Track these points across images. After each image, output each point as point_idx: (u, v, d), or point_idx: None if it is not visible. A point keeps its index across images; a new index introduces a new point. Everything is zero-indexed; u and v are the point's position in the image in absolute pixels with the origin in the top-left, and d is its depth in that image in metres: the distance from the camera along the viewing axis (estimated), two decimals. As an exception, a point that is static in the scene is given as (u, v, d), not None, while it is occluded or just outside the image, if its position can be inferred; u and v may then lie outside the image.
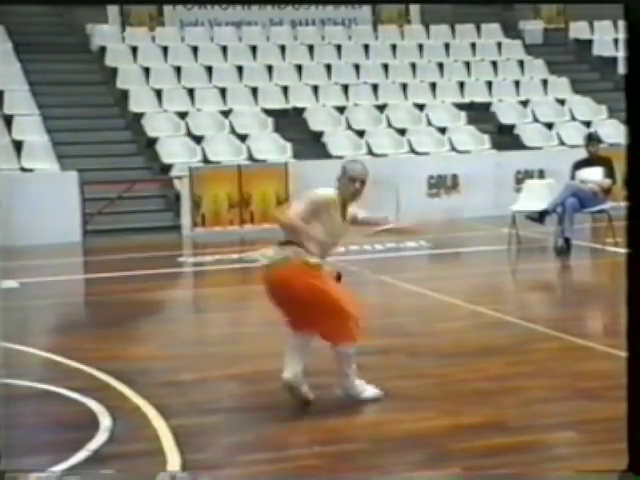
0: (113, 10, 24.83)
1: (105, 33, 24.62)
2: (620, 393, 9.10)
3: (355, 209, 9.09)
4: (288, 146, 21.70)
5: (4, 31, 23.50)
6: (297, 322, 8.72)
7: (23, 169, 20.11)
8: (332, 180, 22.87)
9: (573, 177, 17.85)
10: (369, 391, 8.64)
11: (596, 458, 7.66)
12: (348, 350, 8.49)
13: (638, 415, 2.78)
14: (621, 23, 27.64)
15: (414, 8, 26.59)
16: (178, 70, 23.72)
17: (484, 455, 7.56)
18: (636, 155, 2.90)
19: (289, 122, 22.80)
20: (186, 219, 20.16)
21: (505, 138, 23.20)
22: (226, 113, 22.57)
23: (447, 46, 26.06)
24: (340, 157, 21.40)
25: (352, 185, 8.91)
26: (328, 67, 24.57)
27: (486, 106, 24.24)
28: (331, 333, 8.50)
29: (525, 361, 10.32)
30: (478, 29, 26.72)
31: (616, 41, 27.29)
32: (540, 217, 17.82)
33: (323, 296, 8.46)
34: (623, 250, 17.02)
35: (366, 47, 25.43)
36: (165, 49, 24.39)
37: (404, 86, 24.29)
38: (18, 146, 20.48)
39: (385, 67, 24.83)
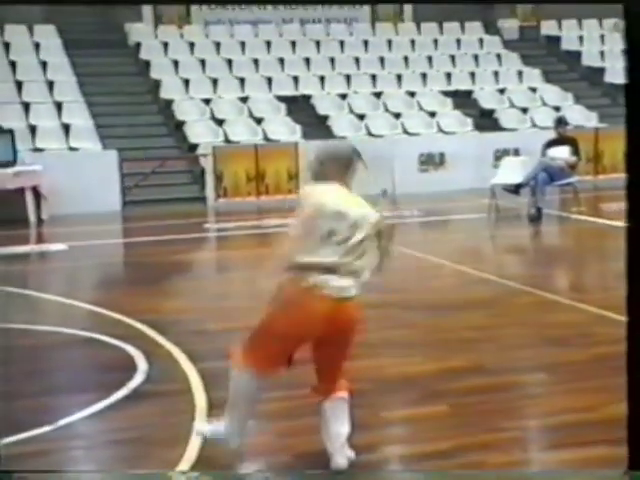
0: (147, 11, 24.82)
1: (140, 31, 24.57)
2: (582, 340, 9.18)
3: None
4: (298, 128, 21.67)
5: (55, 30, 23.48)
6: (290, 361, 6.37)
7: (71, 148, 20.11)
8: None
9: (544, 155, 17.90)
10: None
11: (562, 396, 7.70)
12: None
13: (638, 415, 2.73)
14: (585, 22, 27.63)
15: (407, 8, 26.53)
16: (203, 62, 23.67)
17: (467, 394, 7.59)
18: (635, 139, 2.87)
19: (299, 107, 22.75)
20: (210, 191, 20.16)
21: (485, 121, 23.16)
22: (244, 99, 22.54)
23: (435, 41, 25.99)
24: (343, 137, 21.44)
25: None
26: (332, 60, 24.52)
27: (469, 93, 24.19)
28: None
29: (502, 313, 10.35)
30: (462, 27, 26.65)
31: (581, 37, 27.25)
32: (516, 189, 17.91)
33: None
34: (587, 218, 17.09)
35: (365, 42, 25.37)
36: (192, 44, 24.34)
37: (398, 76, 24.23)
38: (66, 128, 20.50)
39: (382, 60, 24.77)
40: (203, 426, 6.55)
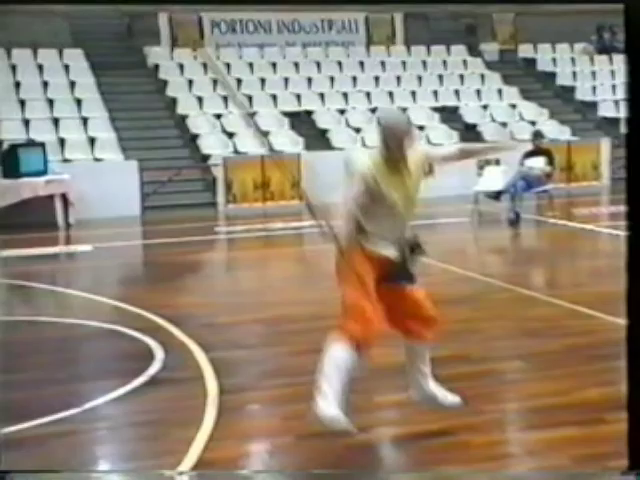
0: (164, 35, 24.82)
1: (158, 53, 24.56)
2: (556, 332, 9.18)
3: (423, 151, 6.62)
4: (300, 140, 21.67)
5: (82, 53, 23.47)
6: None
7: (96, 159, 20.11)
8: (334, 167, 22.73)
9: (522, 164, 17.92)
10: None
11: (537, 382, 7.70)
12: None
13: (638, 414, 2.70)
14: (558, 45, 27.63)
15: (399, 32, 26.55)
16: (214, 82, 23.67)
17: (453, 380, 7.56)
18: (635, 150, 2.83)
19: (301, 121, 22.75)
20: (220, 198, 20.15)
21: (469, 134, 23.12)
22: (252, 115, 22.54)
23: (424, 62, 25.96)
24: (341, 149, 21.46)
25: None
26: (331, 79, 24.50)
27: (455, 109, 24.17)
28: None
29: (484, 307, 10.35)
30: (448, 49, 26.62)
31: (554, 60, 27.23)
32: (496, 196, 17.95)
33: None
34: (560, 222, 17.09)
35: (361, 63, 25.36)
36: (204, 65, 24.33)
37: (391, 94, 24.21)
38: (92, 141, 20.50)
39: (376, 79, 24.75)
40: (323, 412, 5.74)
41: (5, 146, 18.83)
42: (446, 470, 4.27)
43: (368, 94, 24.01)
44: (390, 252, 6.06)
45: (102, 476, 4.48)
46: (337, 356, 5.76)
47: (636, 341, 2.55)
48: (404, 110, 23.32)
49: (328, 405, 5.65)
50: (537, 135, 19.03)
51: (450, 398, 6.40)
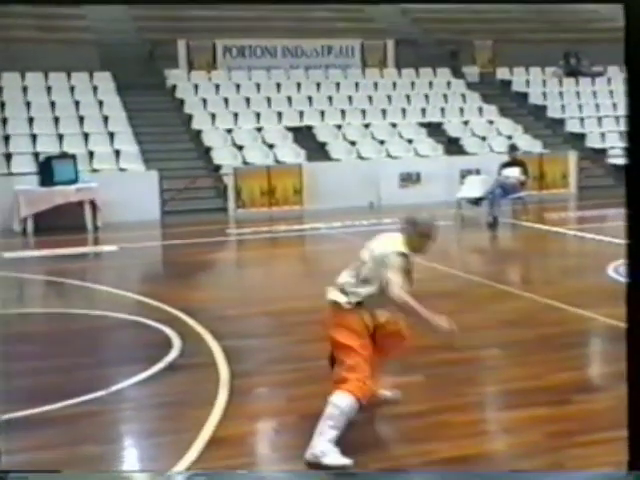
0: (182, 59, 24.80)
1: (176, 75, 24.50)
2: (530, 323, 9.17)
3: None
4: (302, 152, 21.62)
5: (110, 75, 23.43)
6: None
7: (120, 169, 20.07)
8: (332, 175, 22.62)
9: (499, 174, 17.93)
10: (332, 457, 5.37)
11: (513, 367, 7.71)
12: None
13: (638, 414, 2.67)
14: (532, 69, 27.62)
15: (390, 56, 26.47)
16: (226, 100, 23.62)
17: (438, 366, 7.58)
18: (635, 155, 2.78)
19: (303, 136, 22.69)
20: (231, 203, 20.09)
21: (453, 147, 23.10)
22: (259, 129, 22.49)
23: (412, 83, 25.90)
24: (338, 160, 21.49)
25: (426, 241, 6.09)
26: (330, 98, 24.44)
27: (439, 125, 24.10)
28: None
29: (466, 301, 10.33)
30: (434, 72, 26.55)
31: (528, 81, 27.20)
32: (477, 202, 17.96)
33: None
34: (533, 225, 17.09)
35: (356, 84, 25.28)
36: (217, 86, 24.28)
37: (383, 111, 24.16)
38: (117, 153, 20.46)
39: (370, 98, 24.69)
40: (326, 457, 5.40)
41: (41, 158, 18.88)
42: (447, 470, 4.19)
43: (363, 111, 23.98)
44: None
45: (102, 476, 4.34)
46: (343, 404, 5.48)
47: (636, 341, 2.49)
48: (394, 125, 23.51)
49: (330, 448, 5.40)
50: (512, 148, 19.13)
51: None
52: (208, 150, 21.69)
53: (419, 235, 5.94)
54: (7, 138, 20.36)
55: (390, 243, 5.89)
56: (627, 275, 2.94)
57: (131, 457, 6.01)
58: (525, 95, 26.66)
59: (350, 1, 20.03)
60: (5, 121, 20.95)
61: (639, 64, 2.70)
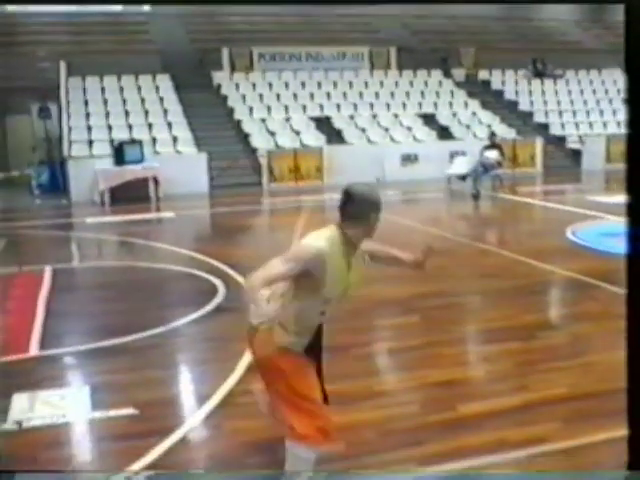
0: (226, 63, 24.60)
1: (221, 76, 24.32)
2: (505, 275, 9.11)
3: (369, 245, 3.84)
4: (322, 138, 21.49)
5: (169, 77, 23.29)
6: None
7: (177, 151, 20.03)
8: (346, 156, 22.50)
9: (481, 155, 17.78)
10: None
11: (491, 310, 7.67)
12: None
13: (638, 413, 2.63)
14: (507, 71, 27.28)
15: (393, 61, 26.16)
16: (261, 96, 23.45)
17: (431, 309, 7.55)
18: (635, 134, 2.58)
19: (323, 124, 22.51)
20: (265, 179, 20.04)
21: (444, 133, 22.88)
22: (287, 119, 22.38)
23: (411, 82, 25.62)
24: (351, 143, 21.38)
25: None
26: (344, 94, 24.21)
27: (433, 115, 23.88)
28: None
29: (454, 258, 10.25)
30: (429, 73, 26.24)
31: (503, 81, 26.86)
32: (463, 177, 17.81)
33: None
34: (508, 196, 16.96)
35: (366, 83, 25.03)
36: (254, 85, 24.10)
37: (388, 104, 23.94)
38: (175, 139, 20.40)
39: (377, 94, 24.44)
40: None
41: (115, 143, 18.93)
42: (446, 470, 4.17)
43: (371, 104, 23.77)
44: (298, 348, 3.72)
45: (105, 476, 4.20)
46: (303, 456, 3.71)
47: (636, 341, 2.42)
48: (396, 116, 23.32)
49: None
50: (492, 134, 18.97)
51: None
52: (247, 136, 21.61)
53: (358, 212, 3.58)
54: (89, 128, 20.38)
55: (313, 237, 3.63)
56: (627, 277, 2.65)
57: (186, 380, 6.03)
58: (501, 92, 26.38)
59: (351, 1, 19.67)
60: (88, 115, 20.93)
61: (639, 64, 2.54)
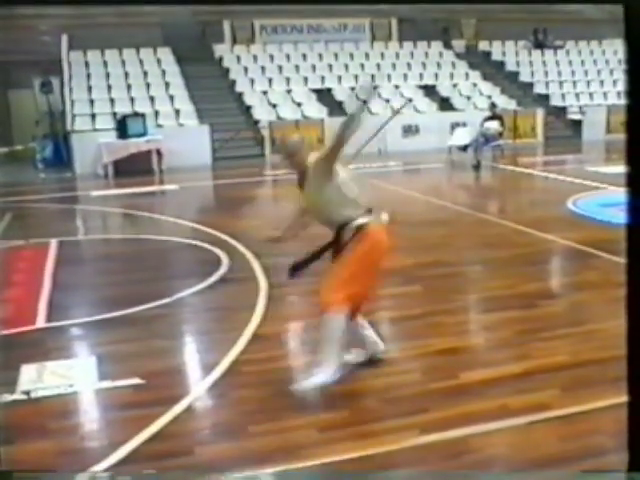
0: (227, 36, 24.45)
1: (222, 48, 24.15)
2: (505, 244, 9.10)
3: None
4: (324, 109, 21.40)
5: (170, 50, 23.13)
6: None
7: (179, 124, 19.96)
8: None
9: (482, 126, 17.68)
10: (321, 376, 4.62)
11: (491, 279, 7.64)
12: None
13: (638, 417, 2.61)
14: (507, 42, 27.04)
15: (394, 32, 25.97)
16: (262, 68, 23.31)
17: (433, 279, 7.55)
18: (635, 132, 2.59)
19: (324, 96, 22.41)
20: (267, 150, 20.00)
21: (444, 104, 22.78)
22: (289, 91, 22.26)
23: (412, 53, 25.45)
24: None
25: None
26: (345, 65, 24.07)
27: (434, 87, 23.74)
28: None
29: (456, 227, 10.26)
30: (429, 44, 26.05)
31: (504, 52, 26.63)
32: (464, 148, 17.72)
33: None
34: (508, 167, 16.90)
35: (367, 54, 24.86)
36: (255, 57, 23.92)
37: (389, 76, 23.80)
38: (177, 112, 20.32)
39: (378, 65, 24.29)
40: (307, 383, 4.66)
41: (118, 117, 18.86)
42: (445, 470, 4.16)
43: (372, 76, 23.63)
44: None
45: (103, 476, 4.30)
46: (336, 326, 4.65)
47: (636, 309, 2.40)
48: (396, 87, 23.17)
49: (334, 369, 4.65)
50: (493, 105, 18.83)
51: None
52: (249, 108, 21.51)
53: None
54: (92, 101, 20.29)
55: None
56: (627, 274, 2.66)
57: (191, 350, 6.05)
58: (502, 63, 26.17)
59: (351, 1, 19.87)
60: (90, 88, 20.83)
61: (639, 64, 2.51)
